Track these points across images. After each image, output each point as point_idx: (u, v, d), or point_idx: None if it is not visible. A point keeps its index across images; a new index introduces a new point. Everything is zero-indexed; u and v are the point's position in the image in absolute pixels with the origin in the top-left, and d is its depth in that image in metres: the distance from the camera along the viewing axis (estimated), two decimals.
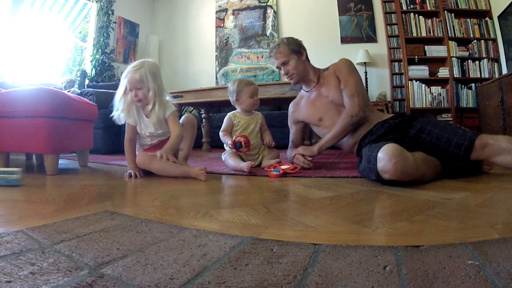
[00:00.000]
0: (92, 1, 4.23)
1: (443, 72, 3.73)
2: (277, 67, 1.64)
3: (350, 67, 1.54)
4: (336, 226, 0.67)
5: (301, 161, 1.56)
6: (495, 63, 3.63)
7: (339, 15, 4.21)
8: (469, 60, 3.71)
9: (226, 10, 4.78)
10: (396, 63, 3.93)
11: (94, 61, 4.16)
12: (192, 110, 4.23)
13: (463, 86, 3.72)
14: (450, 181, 1.17)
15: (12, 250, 0.52)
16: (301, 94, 1.73)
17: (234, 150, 1.62)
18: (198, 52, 4.99)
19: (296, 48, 1.59)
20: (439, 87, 3.76)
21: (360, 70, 3.75)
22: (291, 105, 1.76)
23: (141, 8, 5.15)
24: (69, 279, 0.42)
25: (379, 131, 1.37)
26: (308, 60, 1.65)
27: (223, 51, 4.76)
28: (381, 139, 1.28)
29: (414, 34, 3.85)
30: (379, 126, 1.40)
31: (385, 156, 1.06)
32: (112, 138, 2.96)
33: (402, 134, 1.32)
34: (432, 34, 3.83)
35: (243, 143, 1.60)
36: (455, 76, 3.69)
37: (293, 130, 1.77)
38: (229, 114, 1.77)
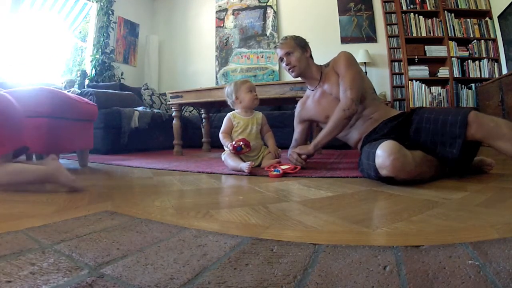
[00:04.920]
0: (92, 1, 4.23)
1: (443, 72, 3.73)
2: (280, 58, 1.63)
3: (347, 61, 1.50)
4: (336, 226, 0.67)
5: (294, 159, 1.57)
6: (495, 63, 3.63)
7: (339, 15, 4.21)
8: (469, 60, 3.71)
9: (226, 10, 4.78)
10: (396, 63, 3.93)
11: (94, 61, 4.16)
12: (192, 110, 4.23)
13: (463, 86, 3.72)
14: (450, 181, 1.17)
15: (12, 250, 0.52)
16: (307, 94, 1.72)
17: (235, 153, 1.62)
18: (198, 52, 4.99)
19: (302, 43, 1.61)
20: (439, 87, 3.76)
21: None
22: (298, 104, 1.76)
23: (141, 8, 5.15)
24: (69, 279, 0.42)
25: (383, 131, 1.37)
26: (312, 58, 1.65)
27: (223, 51, 4.76)
28: (383, 138, 1.28)
29: (414, 34, 3.85)
30: (383, 125, 1.40)
31: (384, 153, 1.07)
32: (112, 138, 2.96)
33: (404, 133, 1.32)
34: (432, 34, 3.83)
35: (243, 145, 1.60)
36: (455, 76, 3.69)
37: (298, 129, 1.76)
38: (228, 114, 1.77)
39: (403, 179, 1.08)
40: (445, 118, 1.21)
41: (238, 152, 1.61)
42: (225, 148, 1.73)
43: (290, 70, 1.61)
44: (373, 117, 1.45)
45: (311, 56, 1.65)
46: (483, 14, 3.74)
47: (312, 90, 1.66)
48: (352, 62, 1.51)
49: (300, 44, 1.60)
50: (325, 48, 3.93)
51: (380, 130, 1.38)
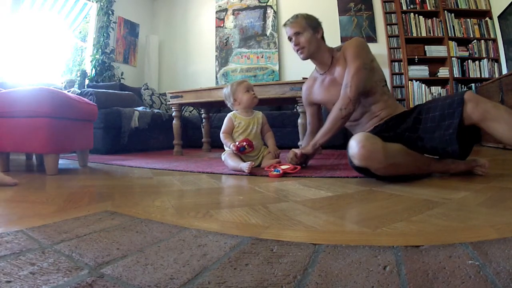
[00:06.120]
0: (92, 1, 4.23)
1: (443, 72, 3.73)
2: (288, 37, 1.55)
3: (355, 49, 1.39)
4: (336, 226, 0.67)
5: (289, 158, 1.57)
6: (495, 63, 3.64)
7: (339, 15, 4.21)
8: (469, 60, 3.71)
9: (226, 10, 4.78)
10: (396, 63, 3.93)
11: (94, 61, 4.16)
12: (192, 110, 4.23)
13: (463, 86, 3.72)
14: (450, 181, 1.17)
15: (12, 250, 0.52)
16: (314, 76, 1.63)
17: (238, 153, 1.63)
18: (198, 52, 4.99)
19: (313, 24, 1.51)
20: (439, 87, 3.76)
21: None
22: (304, 88, 1.68)
23: (141, 8, 5.15)
24: (69, 279, 0.42)
25: (381, 128, 1.37)
26: (324, 41, 1.54)
27: (223, 51, 4.76)
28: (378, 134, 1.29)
29: (414, 34, 3.85)
30: (384, 124, 1.39)
31: (354, 142, 1.12)
32: (112, 138, 2.96)
33: (401, 128, 1.31)
34: (432, 34, 3.83)
35: (246, 146, 1.60)
36: (455, 76, 3.69)
37: (308, 112, 1.70)
38: (229, 114, 1.76)
39: (377, 169, 1.11)
40: (443, 103, 1.19)
41: (241, 152, 1.62)
42: (226, 148, 1.73)
43: (299, 52, 1.52)
44: (380, 115, 1.41)
45: (323, 37, 1.53)
46: (483, 14, 3.74)
47: (321, 74, 1.57)
48: (361, 51, 1.40)
49: (311, 24, 1.50)
50: None
51: (380, 127, 1.38)
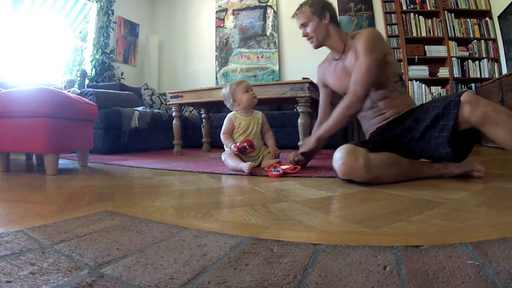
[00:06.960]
0: (92, 1, 4.23)
1: (443, 72, 3.73)
2: (299, 27, 1.52)
3: (367, 45, 1.30)
4: (336, 226, 0.67)
5: (289, 159, 1.58)
6: (495, 63, 3.64)
7: (339, 15, 4.18)
8: (469, 60, 3.71)
9: (226, 10, 4.78)
10: None
11: (94, 61, 4.16)
12: (192, 110, 4.23)
13: (463, 86, 3.72)
14: (450, 181, 1.17)
15: (12, 250, 0.52)
16: (329, 58, 1.58)
17: (239, 153, 1.63)
18: (198, 52, 4.99)
19: (318, 10, 1.44)
20: (439, 87, 3.76)
21: None
22: (318, 68, 1.65)
23: (141, 8, 5.15)
24: (69, 279, 0.42)
25: (383, 128, 1.36)
26: (336, 24, 1.47)
27: (223, 51, 4.76)
28: (375, 137, 1.29)
29: (414, 34, 3.85)
30: (387, 124, 1.37)
31: (337, 156, 1.12)
32: (112, 138, 2.96)
33: (399, 129, 1.30)
34: (432, 34, 3.83)
35: (247, 146, 1.60)
36: (455, 76, 3.69)
37: (322, 93, 1.67)
38: (229, 115, 1.76)
39: (361, 180, 1.11)
40: (441, 105, 1.16)
41: (242, 153, 1.62)
42: (226, 149, 1.72)
43: (309, 41, 1.49)
44: (385, 114, 1.37)
45: (332, 20, 1.46)
46: (483, 14, 3.74)
47: (335, 59, 1.51)
48: (374, 46, 1.31)
49: (316, 12, 1.44)
50: (325, 48, 3.93)
51: (382, 128, 1.37)
